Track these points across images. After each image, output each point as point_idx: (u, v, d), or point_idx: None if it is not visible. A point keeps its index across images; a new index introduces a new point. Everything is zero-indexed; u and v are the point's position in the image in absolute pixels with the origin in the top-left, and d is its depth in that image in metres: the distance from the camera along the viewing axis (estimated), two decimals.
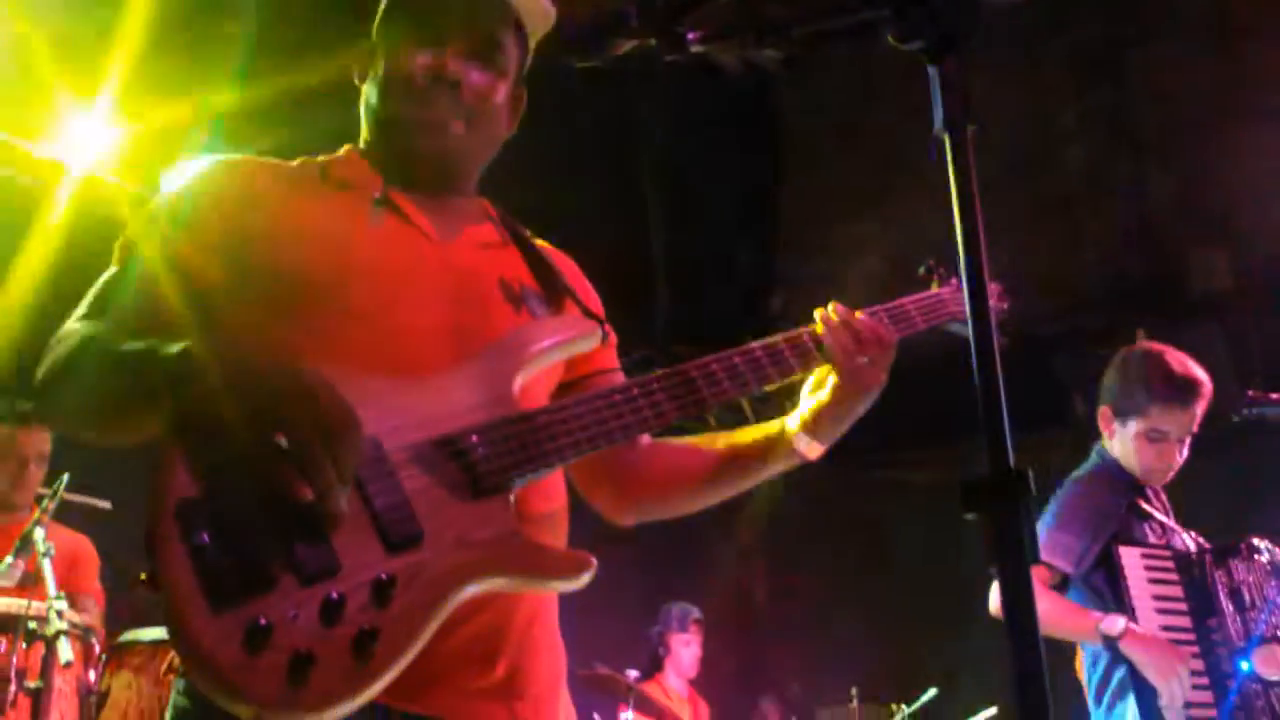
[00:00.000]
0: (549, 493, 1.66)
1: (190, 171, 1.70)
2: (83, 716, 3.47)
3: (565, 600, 1.68)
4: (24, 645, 3.37)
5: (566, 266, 1.91)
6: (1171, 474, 3.32)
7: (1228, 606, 3.03)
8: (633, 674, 5.80)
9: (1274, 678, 2.94)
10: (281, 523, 1.31)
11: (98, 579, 4.35)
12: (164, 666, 3.38)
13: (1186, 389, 3.21)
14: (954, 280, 2.04)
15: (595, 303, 1.90)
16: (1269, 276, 6.17)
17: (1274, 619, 3.00)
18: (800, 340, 1.78)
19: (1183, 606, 3.06)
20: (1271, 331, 6.11)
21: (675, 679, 6.39)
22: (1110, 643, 2.96)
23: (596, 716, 6.08)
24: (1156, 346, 3.34)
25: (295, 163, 1.79)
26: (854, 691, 6.20)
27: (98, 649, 3.61)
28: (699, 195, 7.18)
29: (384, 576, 1.32)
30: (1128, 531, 3.19)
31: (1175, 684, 2.88)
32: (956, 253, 1.39)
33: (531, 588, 1.50)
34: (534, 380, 1.64)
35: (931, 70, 1.41)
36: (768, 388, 1.77)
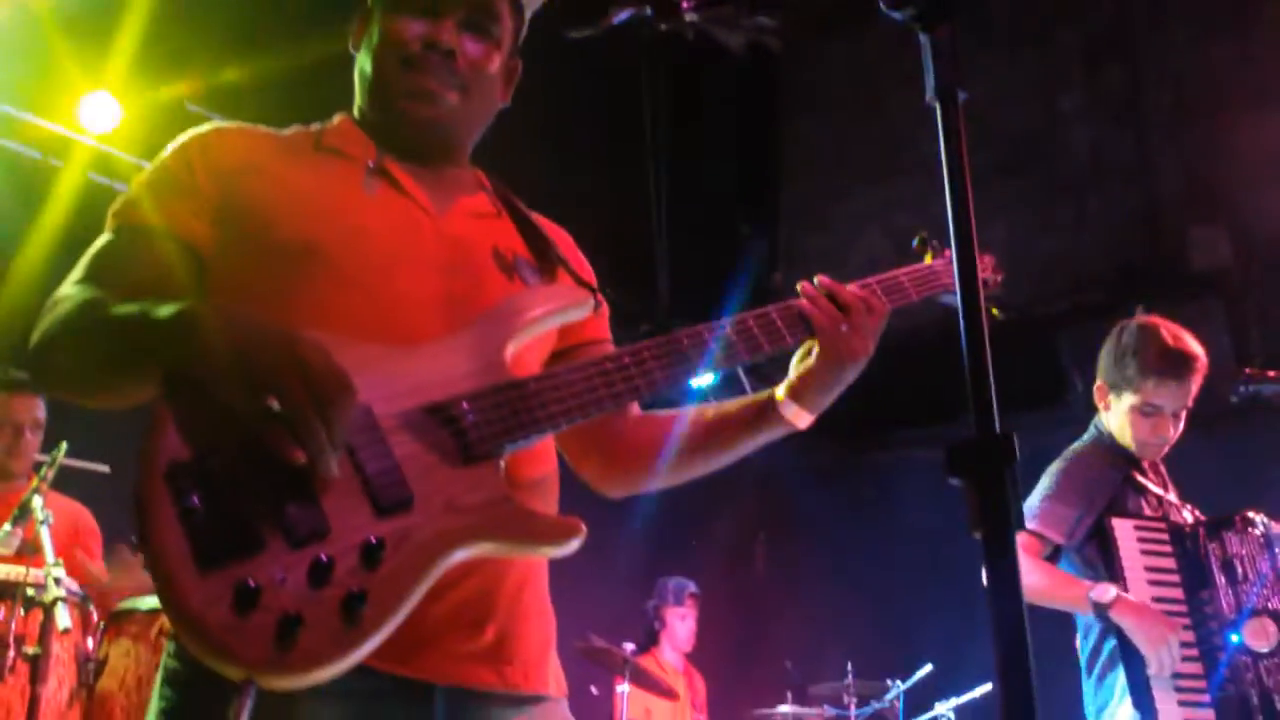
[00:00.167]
0: (539, 459, 1.67)
1: (183, 139, 1.70)
2: (81, 683, 3.49)
3: (563, 573, 1.69)
4: (22, 612, 3.39)
5: (559, 237, 1.91)
6: (1166, 448, 3.31)
7: (1220, 579, 3.03)
8: (629, 647, 5.83)
9: (1263, 650, 2.94)
10: (272, 485, 1.32)
11: (102, 556, 4.37)
12: (155, 630, 3.40)
13: (1181, 363, 3.18)
14: (947, 253, 2.04)
15: (588, 272, 1.91)
16: (1270, 257, 6.16)
17: (1265, 591, 3.00)
18: (791, 311, 1.78)
19: (1175, 578, 3.06)
20: (1272, 312, 6.10)
21: (671, 652, 6.43)
22: (1101, 611, 2.96)
23: (593, 689, 6.12)
24: (1153, 320, 3.30)
25: (288, 131, 1.79)
26: (849, 666, 6.23)
27: (96, 616, 3.63)
28: (700, 172, 7.17)
29: (373, 540, 1.33)
30: (1122, 504, 3.19)
31: (1164, 652, 2.88)
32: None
33: (521, 553, 1.50)
34: (526, 348, 1.65)
35: (923, 38, 1.39)
36: (759, 357, 1.77)
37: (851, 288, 1.82)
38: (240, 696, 1.26)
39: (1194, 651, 2.98)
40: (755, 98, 7.78)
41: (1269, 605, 2.99)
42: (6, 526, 3.43)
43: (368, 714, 1.48)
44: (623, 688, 5.71)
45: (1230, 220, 6.30)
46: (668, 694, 5.96)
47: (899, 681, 6.05)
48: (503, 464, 1.48)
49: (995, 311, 2.12)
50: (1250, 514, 3.11)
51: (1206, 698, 2.93)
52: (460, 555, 1.39)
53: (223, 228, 1.62)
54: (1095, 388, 3.36)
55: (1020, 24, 7.16)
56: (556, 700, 1.67)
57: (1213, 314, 5.88)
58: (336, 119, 1.82)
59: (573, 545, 1.46)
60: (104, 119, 5.20)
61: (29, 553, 3.45)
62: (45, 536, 3.37)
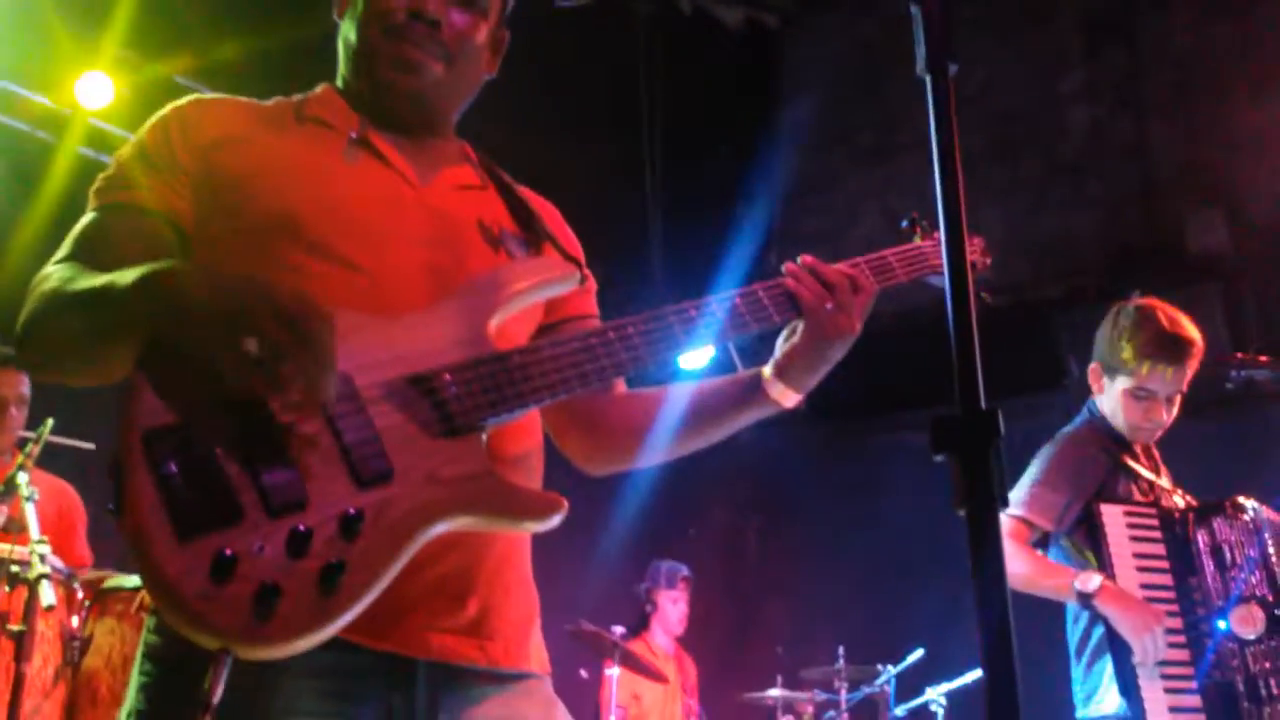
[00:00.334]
0: (523, 435, 1.66)
1: (163, 111, 1.69)
2: (66, 661, 3.48)
3: (554, 556, 1.68)
4: (6, 589, 3.38)
5: (546, 210, 1.90)
6: (1160, 433, 3.27)
7: (1208, 565, 3.01)
8: (618, 630, 5.82)
9: (1250, 636, 2.92)
10: (250, 453, 1.31)
11: (85, 540, 4.37)
12: (135, 605, 3.39)
13: (1176, 348, 3.14)
14: (936, 234, 2.03)
15: (575, 246, 1.89)
16: (1268, 241, 6.15)
17: (1253, 578, 2.98)
18: (778, 289, 1.76)
19: (1164, 565, 3.03)
20: (1269, 296, 6.09)
21: (662, 636, 6.42)
22: (1085, 600, 2.93)
23: (583, 673, 6.12)
24: (1149, 302, 3.25)
25: (270, 102, 1.77)
26: (840, 651, 6.23)
27: (81, 594, 3.62)
28: (695, 150, 7.15)
29: (352, 511, 1.32)
30: (1112, 489, 3.16)
31: (1149, 640, 2.86)
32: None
33: (501, 527, 1.49)
34: (511, 321, 1.63)
35: (914, 10, 1.38)
36: (745, 335, 1.76)
37: (839, 266, 1.81)
38: (215, 666, 1.25)
39: (1181, 639, 2.96)
40: (752, 74, 7.75)
41: (1256, 592, 2.97)
42: None
43: (348, 692, 1.47)
44: (612, 671, 5.71)
45: (1228, 204, 6.29)
46: (658, 678, 5.96)
47: (890, 666, 6.04)
48: (485, 437, 1.47)
49: (984, 296, 2.11)
50: (1240, 500, 3.08)
51: (1193, 685, 2.92)
52: (440, 528, 1.38)
53: (202, 201, 1.60)
54: (1089, 369, 3.32)
55: (1020, 4, 7.14)
56: (540, 678, 1.66)
57: (1209, 298, 5.86)
58: (319, 89, 1.80)
59: (554, 521, 1.46)
60: (99, 96, 5.19)
61: (14, 530, 3.44)
62: (30, 513, 3.36)
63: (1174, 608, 2.99)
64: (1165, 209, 6.51)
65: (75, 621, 3.55)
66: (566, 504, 1.46)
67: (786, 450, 7.44)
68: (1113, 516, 3.04)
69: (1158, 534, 3.06)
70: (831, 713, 6.14)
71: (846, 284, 1.77)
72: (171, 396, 1.32)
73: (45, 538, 3.34)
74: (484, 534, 1.55)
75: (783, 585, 7.76)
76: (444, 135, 1.82)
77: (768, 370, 1.80)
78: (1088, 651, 3.13)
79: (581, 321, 1.83)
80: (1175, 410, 3.24)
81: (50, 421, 3.61)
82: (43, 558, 3.27)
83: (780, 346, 1.80)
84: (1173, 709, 2.89)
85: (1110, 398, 3.25)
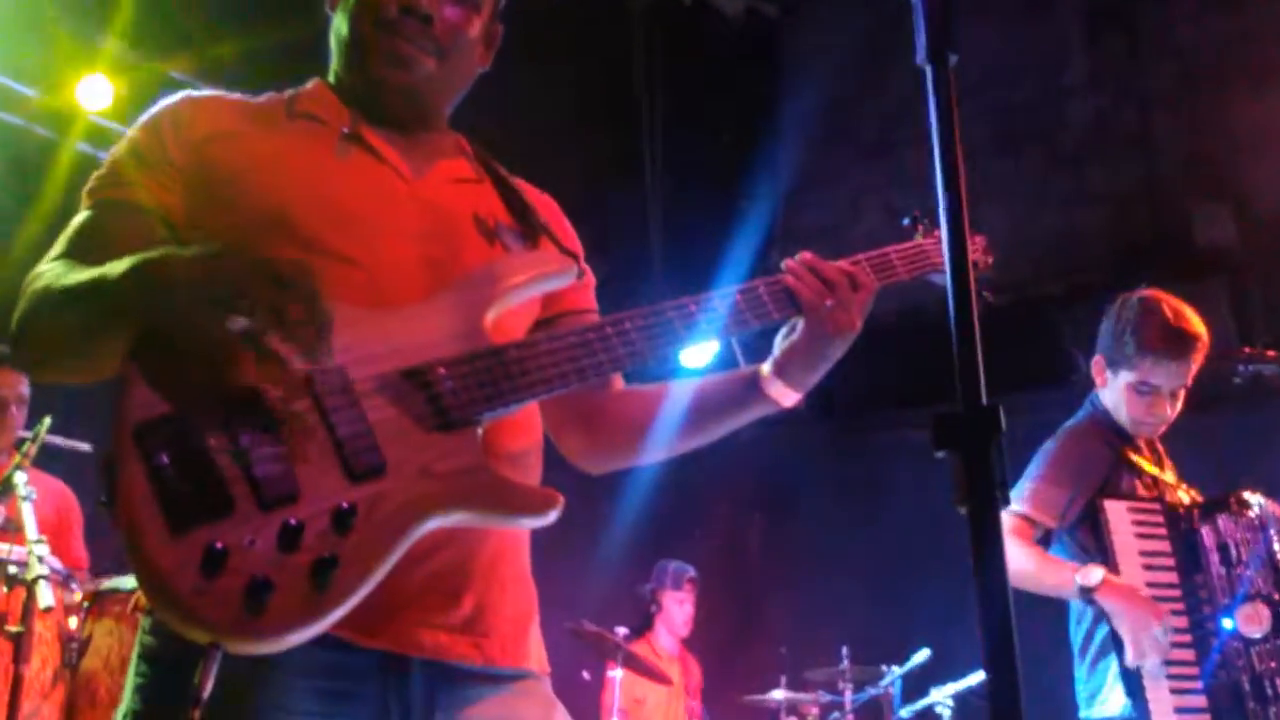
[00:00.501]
0: (521, 431, 1.65)
1: (156, 108, 1.68)
2: (64, 662, 3.48)
3: (555, 556, 1.66)
4: (4, 590, 3.39)
5: (543, 203, 1.89)
6: (1164, 427, 3.24)
7: (1214, 562, 2.98)
8: (621, 632, 5.80)
9: (1256, 636, 2.89)
10: (241, 445, 1.31)
11: (82, 541, 4.36)
12: (130, 605, 3.38)
13: (1180, 343, 3.10)
14: (938, 232, 2.02)
15: (572, 240, 1.88)
16: (1275, 234, 6.12)
17: (1259, 576, 2.95)
18: (778, 286, 1.75)
19: (1170, 562, 3.00)
20: (1276, 290, 6.06)
21: (666, 637, 6.40)
22: (1087, 594, 2.89)
23: (585, 674, 6.10)
24: (1155, 295, 3.20)
25: (262, 98, 1.76)
26: (845, 652, 6.20)
27: (79, 596, 3.61)
28: (700, 147, 7.13)
29: (345, 505, 1.32)
30: (1115, 484, 3.13)
31: (1145, 639, 2.82)
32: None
33: (495, 522, 1.48)
34: (508, 315, 1.62)
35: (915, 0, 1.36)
36: (744, 331, 1.75)
37: (839, 264, 1.80)
38: (205, 661, 1.25)
39: (1187, 638, 2.93)
40: (753, 66, 7.71)
41: (1262, 590, 2.94)
42: None
43: (343, 691, 1.46)
44: (615, 673, 5.69)
45: (1234, 197, 6.26)
46: (661, 679, 5.93)
47: (895, 667, 6.02)
48: (480, 432, 1.46)
49: (986, 295, 2.09)
50: (1246, 495, 3.04)
51: (1199, 684, 2.89)
52: (433, 523, 1.37)
53: (195, 197, 1.60)
54: (1093, 361, 3.28)
55: None
56: (538, 678, 1.65)
57: (1216, 292, 5.82)
58: (311, 83, 1.79)
59: (550, 516, 1.45)
60: (99, 99, 5.22)
61: (11, 530, 3.43)
62: (28, 513, 3.35)
63: (1179, 606, 2.96)
64: (1170, 203, 6.48)
65: (73, 623, 3.54)
66: (562, 499, 1.45)
67: (790, 448, 7.42)
68: (1117, 513, 3.00)
69: (1163, 530, 3.03)
70: (836, 714, 6.11)
71: (846, 281, 1.76)
72: (164, 387, 1.32)
73: (43, 538, 3.34)
74: (479, 530, 1.54)
75: (786, 585, 7.73)
76: (437, 129, 1.81)
77: (766, 368, 1.79)
78: (1091, 651, 3.10)
79: (579, 316, 1.82)
80: (1179, 405, 3.20)
81: (47, 420, 3.61)
82: (40, 558, 3.27)
83: (779, 344, 1.79)
84: (1178, 709, 2.87)
85: (1113, 391, 3.21)
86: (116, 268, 1.39)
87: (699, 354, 6.36)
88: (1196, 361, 3.13)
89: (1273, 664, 2.89)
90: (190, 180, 1.60)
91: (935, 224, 2.04)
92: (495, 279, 1.59)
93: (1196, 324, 3.14)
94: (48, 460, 3.94)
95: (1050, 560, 3.05)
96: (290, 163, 1.63)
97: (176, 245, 1.57)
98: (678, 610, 6.41)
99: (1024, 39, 7.04)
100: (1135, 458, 3.20)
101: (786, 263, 1.78)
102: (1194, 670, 2.91)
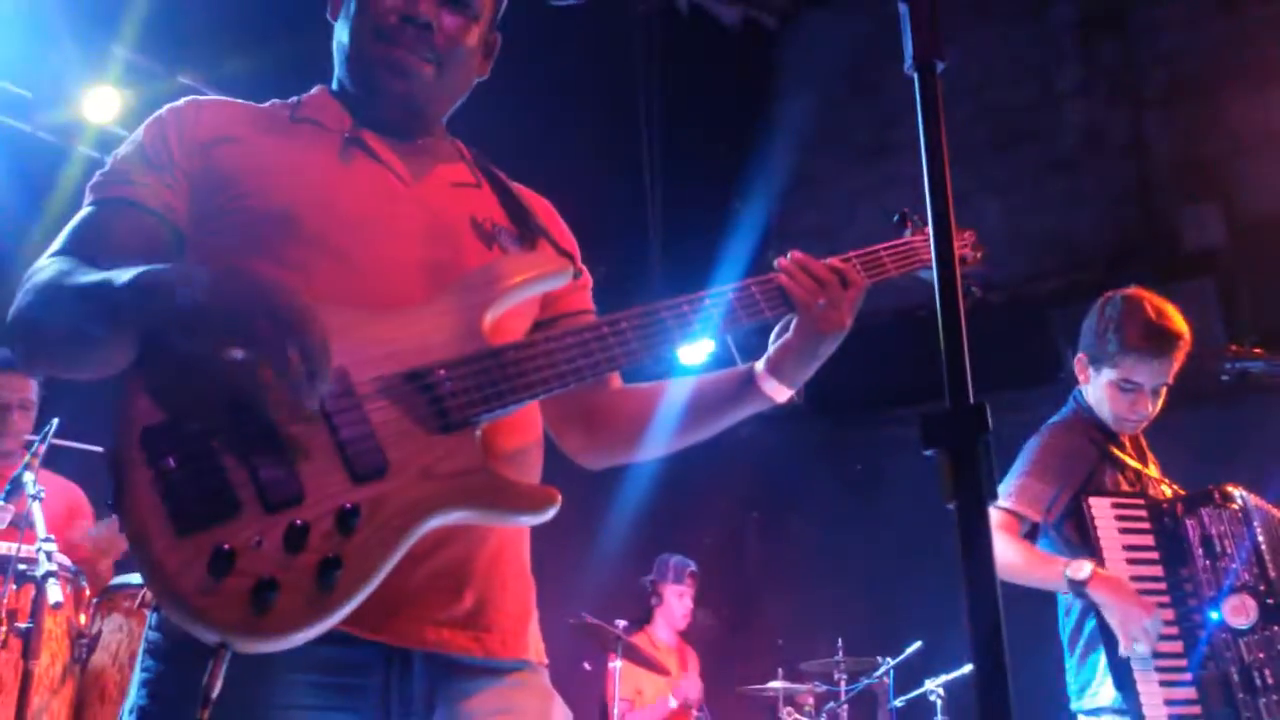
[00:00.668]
0: (520, 430, 1.67)
1: (159, 112, 1.71)
2: (74, 658, 3.50)
3: (554, 550, 1.69)
4: (14, 587, 3.40)
5: (541, 206, 1.92)
6: (1145, 424, 3.24)
7: (1199, 555, 2.98)
8: (621, 624, 5.84)
9: (1243, 627, 2.90)
10: (246, 449, 1.33)
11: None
12: (137, 601, 3.41)
13: (1162, 341, 3.11)
14: (928, 229, 2.03)
15: (570, 242, 1.91)
16: (1263, 236, 6.15)
17: (1245, 568, 2.95)
18: (769, 284, 1.78)
19: (1154, 556, 3.01)
20: (1264, 290, 6.10)
21: (665, 629, 6.44)
22: (1077, 587, 2.90)
23: (586, 665, 6.14)
24: (1137, 293, 3.21)
25: (265, 104, 1.79)
26: (840, 643, 6.25)
27: (88, 592, 3.64)
28: (693, 148, 7.14)
29: (348, 506, 1.34)
30: (1099, 479, 3.14)
31: (1136, 631, 2.83)
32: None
33: (495, 520, 1.51)
34: (506, 316, 1.65)
35: (902, 7, 1.39)
36: (737, 330, 1.77)
37: (830, 261, 1.82)
38: (214, 661, 1.26)
39: (1174, 630, 2.94)
40: (749, 72, 7.74)
41: (1248, 582, 2.94)
42: None
43: (346, 685, 1.49)
44: (615, 664, 5.73)
45: (1223, 198, 6.29)
46: (660, 671, 5.98)
47: (889, 658, 6.06)
48: (479, 433, 1.48)
49: (974, 289, 2.11)
50: (1229, 489, 3.04)
51: (1188, 676, 2.90)
52: (435, 522, 1.40)
53: (199, 198, 1.62)
54: (1075, 359, 3.29)
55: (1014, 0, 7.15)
56: (536, 669, 1.67)
57: (1205, 292, 5.86)
58: (314, 90, 1.82)
59: (548, 514, 1.47)
60: (106, 110, 5.24)
61: (21, 528, 3.45)
62: (37, 511, 3.37)
63: (1165, 599, 2.96)
64: (1161, 204, 6.52)
65: (83, 619, 3.56)
66: (560, 497, 1.48)
67: (786, 444, 7.45)
68: (1101, 509, 3.01)
69: (1147, 525, 3.03)
70: (832, 704, 6.16)
71: (837, 279, 1.79)
72: (169, 394, 1.34)
73: (52, 536, 3.36)
74: (480, 527, 1.57)
75: (782, 579, 7.77)
76: (436, 134, 1.85)
77: (760, 365, 1.82)
78: (1081, 643, 3.11)
79: (577, 317, 1.85)
80: (1160, 402, 3.21)
81: (55, 421, 3.62)
82: (49, 556, 3.29)
83: (773, 342, 1.81)
84: (1168, 701, 2.87)
85: (1096, 388, 3.22)
86: (120, 276, 1.39)
87: (695, 352, 6.40)
88: (1178, 360, 3.14)
89: (1261, 654, 2.87)
90: (195, 181, 1.62)
91: (924, 222, 2.07)
92: (493, 281, 1.62)
93: (1178, 322, 3.15)
94: (59, 463, 3.95)
95: (1039, 554, 3.05)
96: (294, 166, 1.66)
97: (178, 246, 1.60)
98: (677, 603, 6.45)
99: (1018, 43, 7.07)
100: (1119, 453, 3.21)
101: (779, 261, 1.80)
102: (1182, 662, 2.91)
